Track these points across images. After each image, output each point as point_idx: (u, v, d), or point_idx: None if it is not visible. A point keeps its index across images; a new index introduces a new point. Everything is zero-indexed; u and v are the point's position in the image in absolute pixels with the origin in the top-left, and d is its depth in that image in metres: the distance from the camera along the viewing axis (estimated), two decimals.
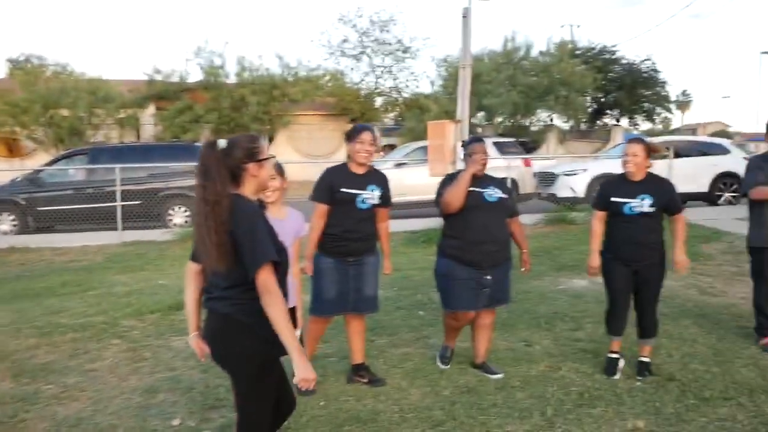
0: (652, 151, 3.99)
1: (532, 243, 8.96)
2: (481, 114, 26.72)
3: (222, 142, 2.28)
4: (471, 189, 3.78)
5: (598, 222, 4.09)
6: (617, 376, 3.99)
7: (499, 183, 3.99)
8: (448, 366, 4.18)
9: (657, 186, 3.94)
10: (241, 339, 2.28)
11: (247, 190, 2.34)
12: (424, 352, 4.56)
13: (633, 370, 4.04)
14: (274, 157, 2.48)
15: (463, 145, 4.02)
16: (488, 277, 3.82)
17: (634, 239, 3.91)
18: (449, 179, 3.91)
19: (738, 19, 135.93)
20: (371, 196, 3.82)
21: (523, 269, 4.11)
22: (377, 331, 5.07)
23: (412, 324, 5.28)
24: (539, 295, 6.15)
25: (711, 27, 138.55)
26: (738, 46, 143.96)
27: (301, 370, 2.18)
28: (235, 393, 2.40)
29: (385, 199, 3.92)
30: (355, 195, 3.77)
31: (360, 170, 3.84)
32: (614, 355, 4.10)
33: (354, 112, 27.97)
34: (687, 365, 4.15)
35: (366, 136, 3.78)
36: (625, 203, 3.90)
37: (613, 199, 3.96)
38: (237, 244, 2.18)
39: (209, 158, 2.24)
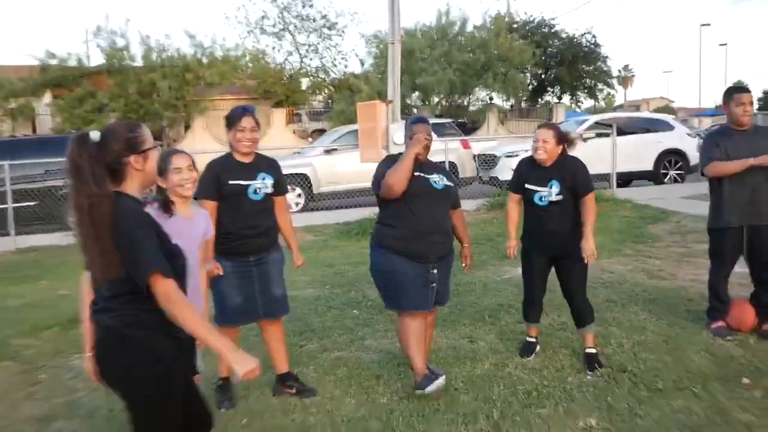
0: (567, 142, 4.10)
1: (474, 230, 9.05)
2: (416, 94, 26.82)
3: (95, 135, 2.12)
4: (416, 174, 3.66)
5: (513, 204, 4.29)
6: (531, 357, 4.23)
7: (444, 171, 3.91)
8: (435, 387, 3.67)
9: (566, 168, 4.04)
10: (128, 356, 2.13)
11: (131, 186, 2.20)
12: (359, 356, 4.47)
13: (583, 364, 4.07)
14: (161, 146, 2.32)
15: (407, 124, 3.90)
16: (435, 272, 3.72)
17: (547, 229, 4.07)
18: (389, 161, 3.78)
19: None
20: (263, 184, 3.69)
21: (464, 265, 4.05)
22: (307, 335, 4.95)
23: (345, 325, 5.18)
24: (483, 286, 6.17)
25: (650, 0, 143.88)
26: (678, 19, 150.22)
27: (237, 366, 2.06)
28: (128, 418, 2.23)
29: (280, 187, 3.82)
30: (246, 186, 3.64)
31: (246, 159, 3.70)
32: (531, 339, 4.37)
33: (278, 95, 27.56)
34: (638, 355, 4.21)
35: (246, 121, 3.63)
36: (536, 192, 4.05)
37: (527, 185, 4.10)
38: (119, 250, 2.02)
39: (80, 155, 2.07)
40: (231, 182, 3.61)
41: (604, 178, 12.37)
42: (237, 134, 3.63)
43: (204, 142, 22.76)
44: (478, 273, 6.60)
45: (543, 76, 34.11)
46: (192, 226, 3.07)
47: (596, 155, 11.94)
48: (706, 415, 3.35)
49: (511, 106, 33.12)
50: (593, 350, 4.12)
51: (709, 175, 4.48)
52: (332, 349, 4.66)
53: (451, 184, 3.83)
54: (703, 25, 71.73)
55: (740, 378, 3.78)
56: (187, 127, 24.99)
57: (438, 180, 3.73)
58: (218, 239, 3.58)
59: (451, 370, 4.10)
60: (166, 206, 2.76)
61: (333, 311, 5.62)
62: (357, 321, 5.30)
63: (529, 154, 4.17)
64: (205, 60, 23.50)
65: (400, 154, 3.75)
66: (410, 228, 3.63)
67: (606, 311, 5.14)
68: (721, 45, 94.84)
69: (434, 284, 3.72)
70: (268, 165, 3.79)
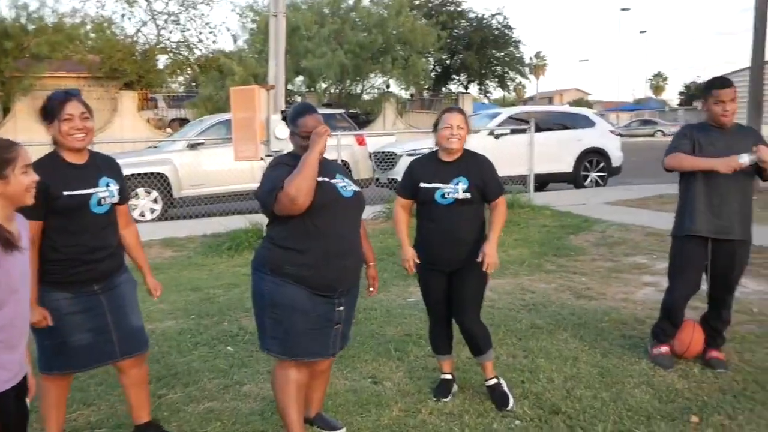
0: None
1: (372, 243, 8.96)
2: (299, 78, 26.78)
3: None
4: (319, 179, 3.39)
5: (401, 209, 4.27)
6: (448, 399, 4.25)
7: (345, 171, 3.72)
8: None
9: (473, 165, 4.09)
10: None
11: None
12: (236, 406, 4.28)
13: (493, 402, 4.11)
14: None
15: (284, 118, 3.70)
16: (341, 308, 3.51)
17: (448, 234, 4.05)
18: (280, 165, 3.49)
19: None
20: (108, 192, 3.48)
21: (370, 289, 3.88)
22: (168, 380, 4.69)
23: (218, 366, 4.96)
24: (385, 312, 6.12)
25: None
26: (595, 3, 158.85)
27: None
28: None
29: (125, 194, 3.67)
30: (88, 196, 3.39)
31: (80, 158, 3.46)
32: (447, 376, 4.39)
33: (128, 74, 26.84)
34: (572, 391, 4.26)
35: (72, 107, 3.38)
36: (437, 189, 4.03)
37: (422, 185, 4.07)
38: None
39: None
40: (67, 193, 3.31)
41: (519, 181, 12.74)
42: (63, 126, 3.34)
43: (29, 131, 21.49)
44: (378, 295, 6.52)
45: (448, 62, 35.00)
46: (25, 256, 2.65)
47: (510, 154, 12.32)
48: None
49: (411, 95, 33.75)
50: (493, 380, 4.19)
51: (667, 166, 4.55)
52: (201, 398, 4.43)
53: (359, 189, 3.65)
54: (623, 9, 76.17)
55: (687, 415, 3.89)
56: (6, 111, 23.67)
57: (345, 185, 3.53)
58: (49, 268, 3.27)
59: (352, 419, 4.00)
60: (6, 241, 2.33)
61: (201, 349, 5.37)
62: (232, 361, 5.08)
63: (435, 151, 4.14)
64: (30, 27, 22.42)
65: (292, 154, 3.53)
66: (317, 250, 3.36)
67: (531, 339, 5.20)
68: (641, 32, 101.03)
69: (339, 325, 3.52)
70: (109, 166, 3.58)
